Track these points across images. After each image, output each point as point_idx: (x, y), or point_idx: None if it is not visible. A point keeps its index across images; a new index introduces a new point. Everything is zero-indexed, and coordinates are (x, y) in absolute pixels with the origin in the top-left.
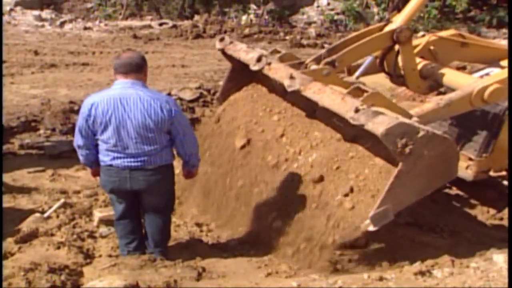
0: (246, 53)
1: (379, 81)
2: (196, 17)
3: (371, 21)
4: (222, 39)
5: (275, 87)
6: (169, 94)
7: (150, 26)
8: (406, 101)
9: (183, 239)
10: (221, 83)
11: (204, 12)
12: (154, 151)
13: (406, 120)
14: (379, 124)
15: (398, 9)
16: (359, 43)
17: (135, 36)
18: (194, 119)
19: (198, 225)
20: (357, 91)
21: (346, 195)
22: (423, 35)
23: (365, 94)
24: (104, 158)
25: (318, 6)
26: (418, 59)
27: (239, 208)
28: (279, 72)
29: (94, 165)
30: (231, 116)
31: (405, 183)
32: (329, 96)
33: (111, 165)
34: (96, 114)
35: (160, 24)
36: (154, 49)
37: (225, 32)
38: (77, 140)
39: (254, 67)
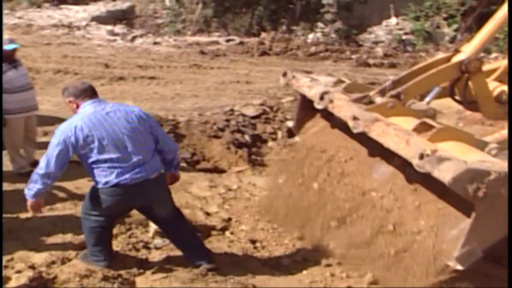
0: (310, 89)
1: (445, 104)
2: (263, 34)
3: (441, 42)
4: (284, 74)
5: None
6: (232, 110)
7: (217, 42)
8: (475, 125)
9: (235, 255)
10: (284, 100)
11: (271, 29)
12: (151, 155)
13: (474, 165)
14: (445, 171)
15: (472, 30)
16: (426, 75)
17: (202, 52)
18: (254, 135)
19: (252, 241)
20: (423, 126)
21: (422, 234)
22: (496, 57)
23: (433, 131)
24: (107, 178)
25: (386, 26)
26: (495, 83)
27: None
28: (342, 110)
29: (42, 196)
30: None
31: (486, 223)
32: (393, 139)
33: (117, 184)
34: (83, 135)
35: (227, 41)
36: (220, 65)
37: (291, 50)
38: (49, 167)
39: (318, 106)
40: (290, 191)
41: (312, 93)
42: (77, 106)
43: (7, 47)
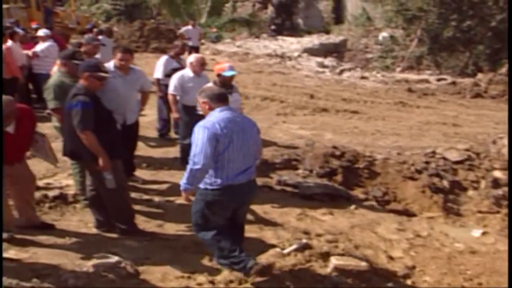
0: None
1: None
2: (479, 75)
3: None
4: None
5: None
6: (433, 152)
7: (427, 81)
8: None
9: None
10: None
11: (489, 70)
12: (254, 161)
13: None
14: None
15: None
16: None
17: (409, 90)
18: (454, 181)
19: None
20: None
21: None
22: None
23: None
24: (224, 177)
25: None
26: None
27: None
28: None
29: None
30: None
31: None
32: None
33: (231, 184)
34: (223, 134)
35: (438, 80)
36: (427, 105)
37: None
38: (207, 161)
39: None
40: None
41: None
42: (210, 108)
43: (226, 73)
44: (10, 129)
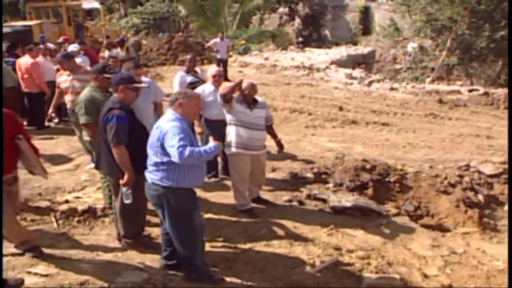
0: None
1: None
2: None
3: None
4: None
5: None
6: (467, 166)
7: (458, 92)
8: None
9: None
10: None
11: None
12: (153, 167)
13: None
14: None
15: None
16: None
17: (440, 101)
18: (490, 196)
19: None
20: None
21: None
22: None
23: None
24: None
25: None
26: None
27: None
28: None
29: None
30: None
31: None
32: None
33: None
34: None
35: (470, 90)
36: (459, 116)
37: None
38: None
39: None
40: None
41: None
42: None
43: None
44: None
